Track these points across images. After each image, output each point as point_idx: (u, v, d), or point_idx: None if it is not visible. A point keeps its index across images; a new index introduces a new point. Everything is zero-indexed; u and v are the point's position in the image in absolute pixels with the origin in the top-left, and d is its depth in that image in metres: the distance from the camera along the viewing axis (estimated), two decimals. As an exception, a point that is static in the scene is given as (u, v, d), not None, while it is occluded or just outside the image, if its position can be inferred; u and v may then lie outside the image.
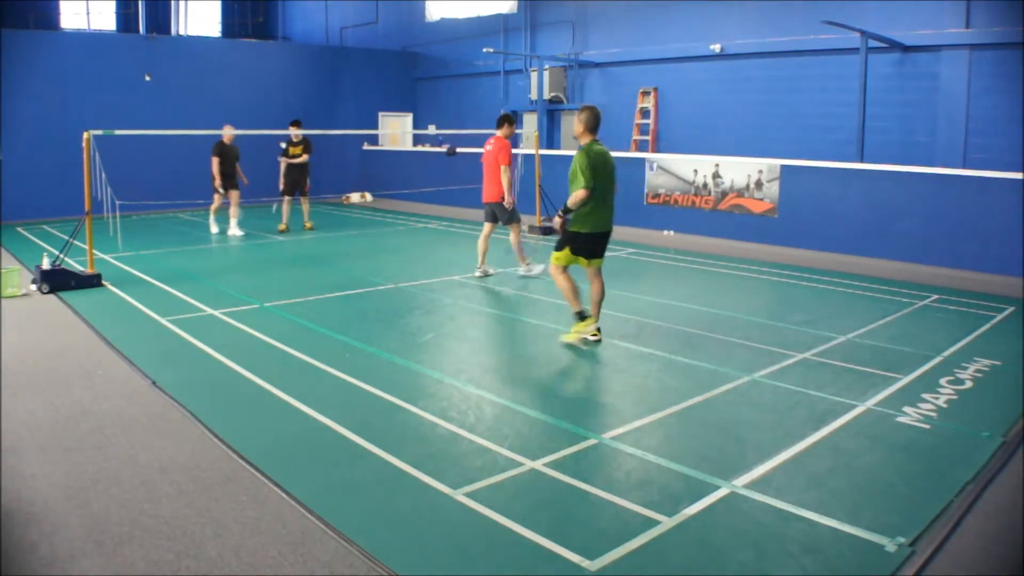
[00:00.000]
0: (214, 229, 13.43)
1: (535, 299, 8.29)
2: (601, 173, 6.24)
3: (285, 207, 13.60)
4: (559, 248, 6.46)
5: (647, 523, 3.54)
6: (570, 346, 6.41)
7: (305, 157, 13.32)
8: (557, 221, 6.40)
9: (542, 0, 18.42)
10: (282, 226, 13.55)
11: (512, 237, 9.34)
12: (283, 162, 13.32)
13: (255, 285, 9.04)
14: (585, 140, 6.38)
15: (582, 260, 6.44)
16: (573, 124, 6.47)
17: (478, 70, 20.07)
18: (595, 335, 6.49)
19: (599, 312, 6.59)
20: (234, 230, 13.24)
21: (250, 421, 4.84)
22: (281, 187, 13.45)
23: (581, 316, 6.43)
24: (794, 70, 13.91)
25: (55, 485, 3.94)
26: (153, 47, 17.67)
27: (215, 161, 12.84)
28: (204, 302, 8.04)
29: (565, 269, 6.48)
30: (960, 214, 10.19)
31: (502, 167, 9.02)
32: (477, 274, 9.36)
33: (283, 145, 13.39)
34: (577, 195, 6.15)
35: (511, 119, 9.35)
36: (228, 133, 12.92)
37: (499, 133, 9.23)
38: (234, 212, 13.26)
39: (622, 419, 4.86)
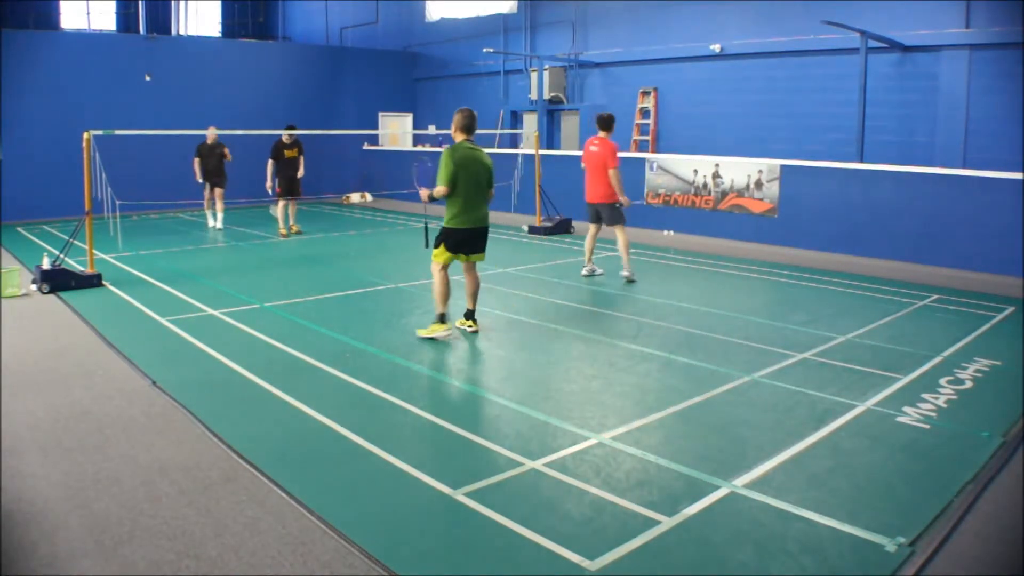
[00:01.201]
0: (210, 223, 14.20)
1: (535, 299, 8.29)
2: (465, 172, 6.47)
3: (281, 210, 13.11)
4: (436, 246, 6.72)
5: (647, 523, 3.54)
6: (429, 340, 6.63)
7: (301, 160, 12.95)
8: (425, 193, 6.68)
9: (542, 0, 18.43)
10: (283, 231, 13.08)
11: (621, 239, 9.24)
12: (271, 164, 12.75)
13: (255, 285, 9.04)
14: (457, 139, 6.61)
15: (461, 256, 6.70)
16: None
17: (478, 70, 20.08)
18: (472, 326, 6.86)
19: (475, 304, 6.90)
20: (217, 223, 14.11)
21: (250, 421, 4.84)
22: (277, 190, 12.90)
23: (441, 319, 6.67)
24: (794, 70, 13.91)
25: (55, 485, 3.94)
26: (153, 47, 17.68)
27: (195, 160, 13.79)
28: (204, 302, 8.04)
29: (445, 267, 6.70)
30: (960, 214, 10.19)
31: (611, 170, 8.95)
32: (584, 272, 9.48)
33: (282, 146, 12.86)
34: (438, 189, 6.53)
35: (613, 119, 9.37)
36: (210, 134, 13.64)
37: (603, 134, 9.16)
38: (219, 207, 14.07)
39: (622, 419, 4.86)
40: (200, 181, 13.88)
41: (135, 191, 14.05)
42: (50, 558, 3.27)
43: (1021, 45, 11.11)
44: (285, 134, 12.86)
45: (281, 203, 13.07)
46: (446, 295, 6.68)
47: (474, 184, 6.55)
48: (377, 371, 5.84)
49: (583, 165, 9.35)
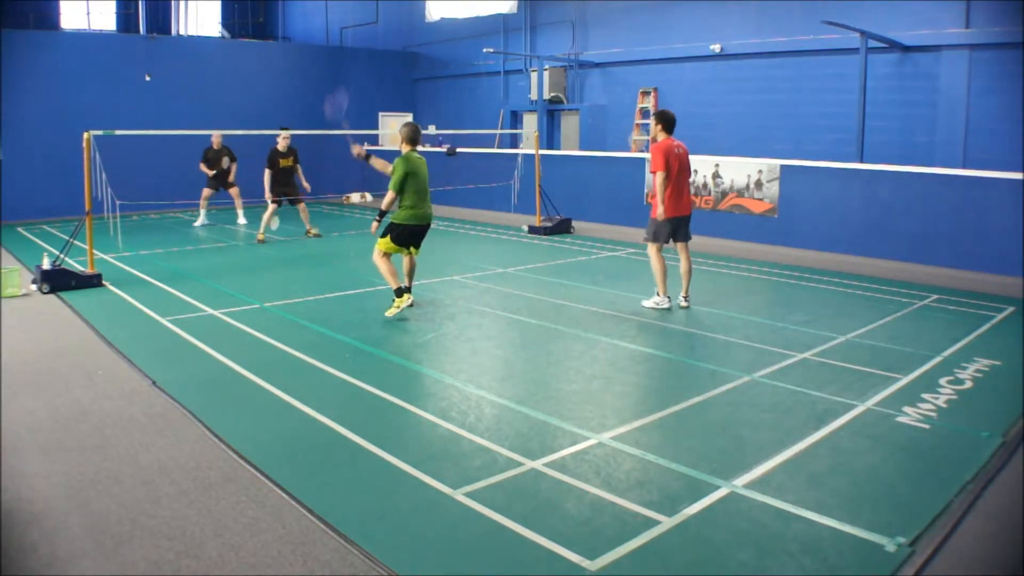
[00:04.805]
0: (199, 221, 14.59)
1: (535, 299, 8.29)
2: (415, 176, 7.30)
3: (267, 216, 12.53)
4: (383, 236, 7.42)
5: (647, 523, 3.54)
6: (395, 319, 7.30)
7: (299, 170, 12.68)
8: (374, 226, 7.39)
9: (542, 0, 18.42)
10: (260, 236, 12.54)
11: (687, 257, 7.91)
12: (268, 174, 12.40)
13: (255, 285, 9.04)
14: (405, 150, 7.39)
15: (403, 249, 7.43)
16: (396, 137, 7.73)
17: (478, 70, 20.07)
18: (410, 303, 7.49)
19: (412, 282, 7.79)
20: (240, 219, 14.66)
21: (250, 421, 4.84)
22: (270, 197, 12.45)
23: (399, 293, 7.34)
24: (794, 70, 13.91)
25: (55, 485, 3.94)
26: (153, 47, 17.67)
27: (202, 164, 14.21)
28: (204, 302, 8.04)
29: (388, 256, 7.42)
30: (960, 214, 10.20)
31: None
32: (667, 304, 7.74)
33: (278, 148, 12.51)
34: (387, 197, 7.34)
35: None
36: (216, 138, 14.04)
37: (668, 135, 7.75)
38: (238, 204, 14.56)
39: (622, 419, 4.86)
40: (211, 174, 14.18)
41: (135, 191, 14.07)
42: (50, 558, 3.27)
43: (1021, 45, 11.11)
44: (281, 138, 12.40)
45: (271, 208, 12.49)
46: (395, 272, 7.43)
47: (422, 187, 7.35)
48: (377, 371, 5.84)
49: (661, 172, 7.51)
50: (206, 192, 14.34)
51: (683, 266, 7.88)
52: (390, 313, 7.36)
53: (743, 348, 6.45)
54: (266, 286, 8.98)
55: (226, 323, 7.25)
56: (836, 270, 10.04)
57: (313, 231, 13.17)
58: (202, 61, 18.32)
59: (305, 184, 12.88)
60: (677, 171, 7.67)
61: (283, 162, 12.58)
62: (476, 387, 5.51)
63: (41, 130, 15.70)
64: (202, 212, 14.57)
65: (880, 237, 10.90)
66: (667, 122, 7.75)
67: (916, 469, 4.20)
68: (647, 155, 14.45)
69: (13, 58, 15.35)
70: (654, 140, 7.88)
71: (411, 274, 7.78)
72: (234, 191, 14.36)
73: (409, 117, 21.82)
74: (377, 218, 7.37)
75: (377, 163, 7.75)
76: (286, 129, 12.77)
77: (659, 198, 7.57)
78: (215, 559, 3.26)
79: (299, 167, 12.78)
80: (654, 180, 7.61)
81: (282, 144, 12.52)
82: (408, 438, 4.58)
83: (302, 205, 13.02)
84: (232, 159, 14.16)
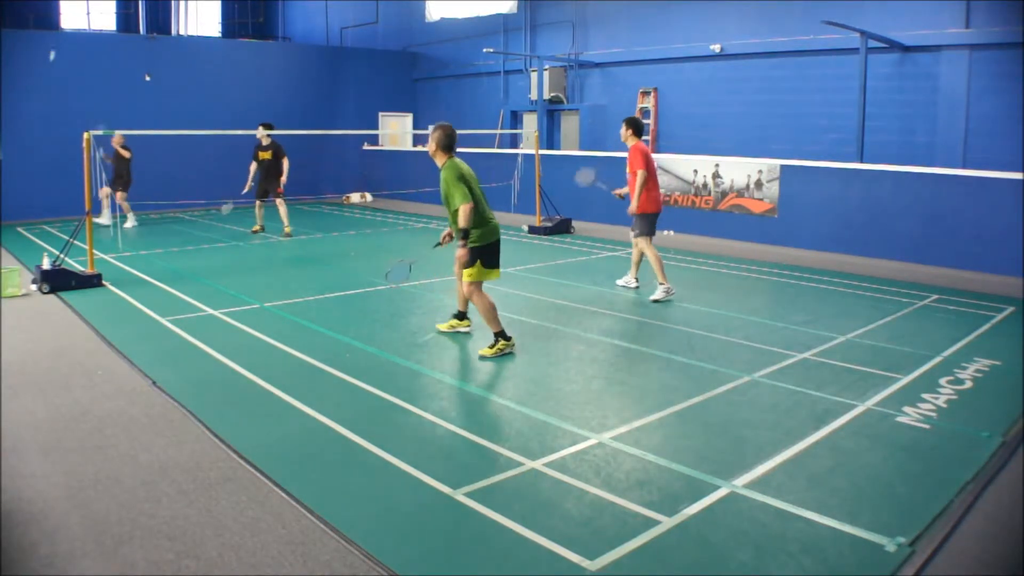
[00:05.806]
0: (107, 221, 13.91)
1: (535, 299, 8.29)
2: (474, 183, 6.17)
3: (258, 210, 13.34)
4: (470, 265, 6.16)
5: (647, 523, 3.54)
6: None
7: (284, 164, 12.64)
8: (463, 253, 6.02)
9: (542, 0, 18.42)
10: (255, 227, 13.40)
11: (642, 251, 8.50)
12: (252, 165, 12.86)
13: (255, 285, 9.04)
14: (442, 159, 6.24)
15: (493, 273, 6.29)
16: (428, 144, 6.42)
17: (478, 70, 20.08)
18: (468, 325, 6.90)
19: (467, 306, 6.81)
20: (101, 219, 13.69)
21: (250, 421, 4.84)
22: (248, 186, 13.01)
23: (504, 335, 6.24)
24: (794, 70, 13.91)
25: (55, 485, 3.94)
26: (153, 47, 17.69)
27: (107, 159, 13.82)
28: (204, 302, 8.04)
29: (481, 286, 6.28)
30: (960, 214, 10.20)
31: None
32: (672, 293, 8.23)
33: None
34: (464, 211, 5.93)
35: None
36: (116, 140, 13.64)
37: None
38: (106, 205, 14.09)
39: (622, 419, 4.86)
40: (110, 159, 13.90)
41: (135, 191, 14.14)
42: (50, 558, 3.27)
43: (1021, 45, 11.11)
44: (261, 134, 12.44)
45: (258, 203, 13.20)
46: (495, 310, 6.26)
47: (480, 196, 6.22)
48: (377, 371, 5.84)
49: (643, 171, 8.14)
50: (121, 194, 14.02)
51: (636, 255, 8.77)
52: (489, 354, 6.16)
53: (743, 348, 6.44)
54: (266, 286, 8.98)
55: (226, 323, 7.25)
56: (836, 270, 10.04)
57: (287, 230, 12.98)
58: (202, 61, 18.34)
59: (281, 177, 12.72)
60: (654, 170, 8.48)
61: (261, 155, 12.67)
62: (476, 387, 5.51)
63: (41, 130, 15.71)
64: (130, 214, 14.31)
65: (880, 237, 10.90)
66: (637, 127, 8.50)
67: (916, 469, 4.20)
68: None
69: (13, 58, 15.36)
70: (626, 143, 8.49)
71: (467, 299, 6.64)
72: (120, 195, 14.01)
73: (409, 118, 21.85)
74: (462, 240, 5.98)
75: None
76: (265, 126, 12.54)
77: (636, 193, 8.25)
78: (215, 559, 3.26)
79: (284, 163, 12.62)
80: (633, 179, 8.25)
81: (264, 138, 12.54)
82: (408, 438, 4.57)
83: (278, 201, 12.87)
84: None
